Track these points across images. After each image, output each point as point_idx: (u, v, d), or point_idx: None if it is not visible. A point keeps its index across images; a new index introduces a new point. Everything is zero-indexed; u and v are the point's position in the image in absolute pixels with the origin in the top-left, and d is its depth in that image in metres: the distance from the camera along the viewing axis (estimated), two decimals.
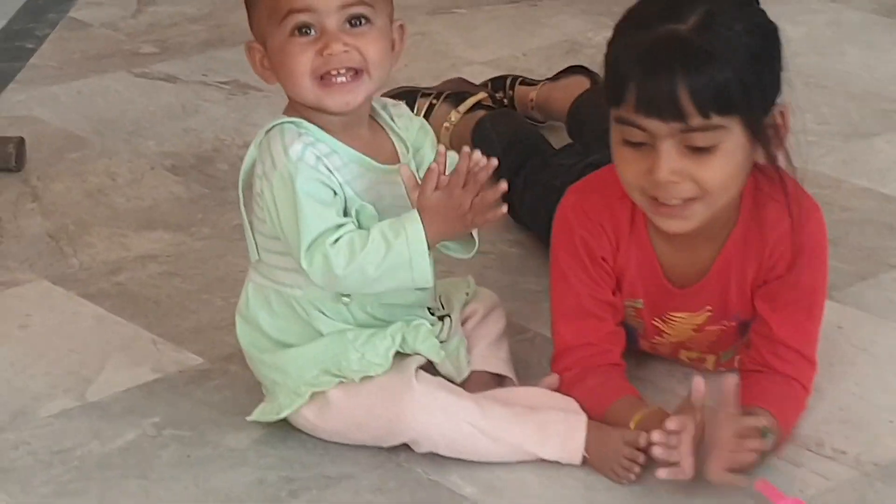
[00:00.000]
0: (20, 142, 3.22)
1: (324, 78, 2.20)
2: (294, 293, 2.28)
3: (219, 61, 3.80)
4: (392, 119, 2.36)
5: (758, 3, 2.23)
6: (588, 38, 3.93)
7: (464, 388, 2.37)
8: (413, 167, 2.30)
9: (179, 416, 2.42)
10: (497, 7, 4.15)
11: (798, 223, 2.25)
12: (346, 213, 2.22)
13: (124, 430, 2.39)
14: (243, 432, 2.36)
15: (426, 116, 3.30)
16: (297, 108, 2.27)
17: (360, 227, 2.22)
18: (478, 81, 3.61)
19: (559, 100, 3.33)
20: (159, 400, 2.46)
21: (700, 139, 2.12)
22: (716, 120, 2.10)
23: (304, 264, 2.18)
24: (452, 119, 3.29)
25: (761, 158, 2.21)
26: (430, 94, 3.36)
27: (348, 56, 2.19)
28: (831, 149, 3.34)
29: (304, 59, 2.19)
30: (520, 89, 3.41)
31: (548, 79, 3.42)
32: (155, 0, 4.20)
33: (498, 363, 2.45)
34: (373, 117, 2.33)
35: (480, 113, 3.28)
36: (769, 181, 2.24)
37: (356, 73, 2.21)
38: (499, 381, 2.45)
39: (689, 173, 2.14)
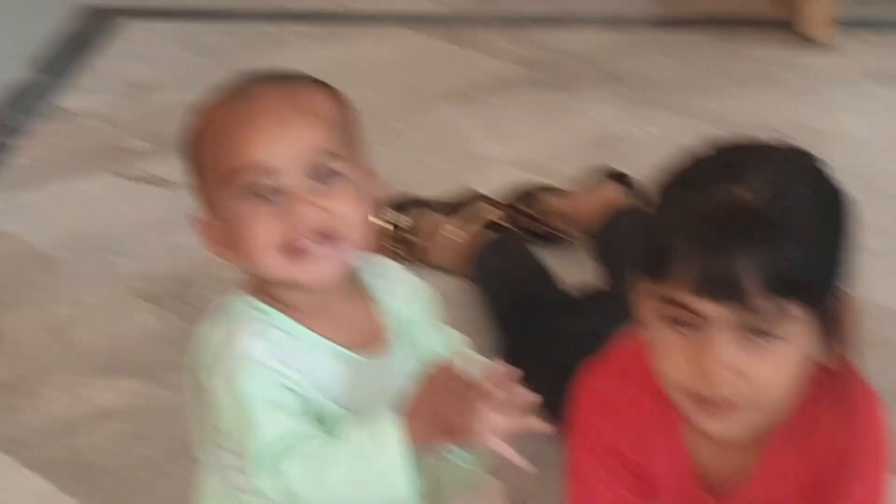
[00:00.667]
0: None
1: (292, 249, 1.81)
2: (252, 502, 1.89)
3: None
4: (376, 284, 1.98)
5: (822, 164, 1.84)
6: (625, 130, 3.55)
7: None
8: (403, 350, 1.95)
9: None
10: (524, 93, 3.77)
11: (854, 422, 1.86)
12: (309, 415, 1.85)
13: None
14: None
15: (421, 232, 2.94)
16: (258, 281, 1.89)
17: (323, 430, 1.85)
18: (499, 180, 3.25)
19: (587, 209, 2.98)
20: None
21: (763, 325, 1.72)
22: (781, 304, 1.72)
23: (255, 481, 1.82)
24: (451, 236, 2.97)
25: (822, 352, 1.82)
26: (434, 207, 3.00)
27: (320, 218, 1.79)
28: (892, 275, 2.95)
29: (266, 229, 1.79)
30: (550, 202, 3.05)
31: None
32: (150, 86, 3.82)
33: None
34: (354, 282, 1.94)
35: (484, 234, 2.94)
36: (824, 372, 1.85)
37: (330, 238, 1.82)
38: None
39: (743, 368, 1.75)
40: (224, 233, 1.83)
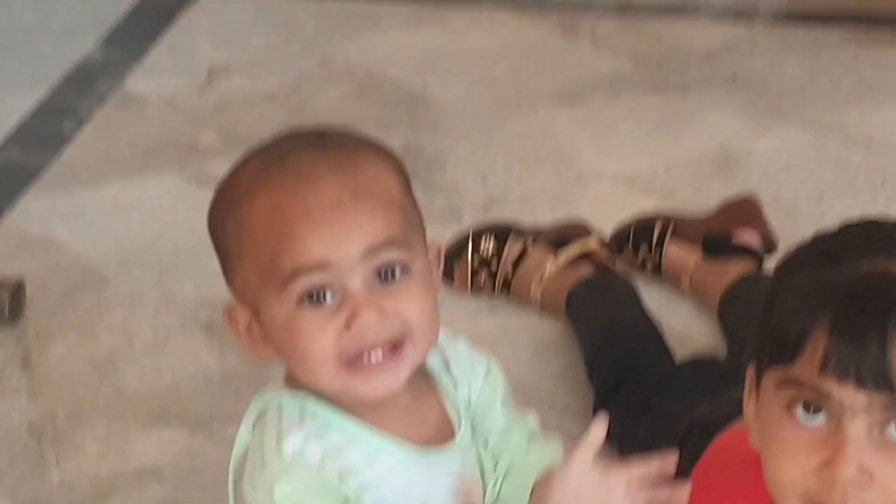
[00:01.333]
0: (17, 288, 2.59)
1: (354, 361, 1.53)
2: None
3: None
4: (445, 370, 1.69)
5: None
6: (747, 146, 3.19)
7: None
8: (468, 438, 1.67)
9: None
10: (638, 97, 3.40)
11: None
12: None
13: None
14: None
15: (516, 265, 2.62)
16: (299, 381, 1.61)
17: None
18: (607, 202, 2.93)
19: (713, 284, 2.61)
20: None
21: None
22: None
23: None
24: (547, 271, 2.61)
25: None
26: (526, 235, 2.67)
27: (385, 325, 1.52)
28: None
29: (324, 340, 1.51)
30: (671, 251, 2.69)
31: (708, 238, 2.68)
32: (229, 69, 3.51)
33: None
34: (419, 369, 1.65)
35: (582, 271, 2.59)
36: None
37: (395, 346, 1.54)
38: None
39: (882, 473, 1.44)
40: (265, 329, 1.55)
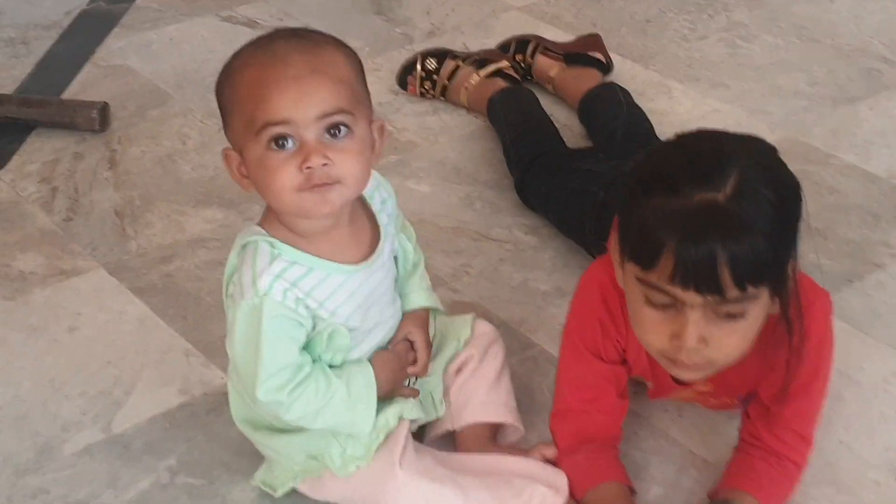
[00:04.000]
0: (104, 107, 2.40)
1: (305, 190, 1.40)
2: None
3: (293, 4, 2.92)
4: (371, 194, 1.57)
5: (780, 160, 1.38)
6: None
7: (460, 442, 1.63)
8: (388, 248, 1.57)
9: (194, 457, 1.69)
10: None
11: (804, 314, 1.43)
12: (315, 339, 1.48)
13: (139, 476, 1.66)
14: (250, 485, 1.62)
15: (450, 77, 2.45)
16: (273, 215, 1.48)
17: (330, 349, 1.49)
18: (513, 26, 2.74)
19: (573, 89, 2.45)
20: (179, 435, 1.72)
21: (732, 309, 1.34)
22: (750, 291, 1.31)
23: (255, 402, 1.46)
24: (472, 81, 2.45)
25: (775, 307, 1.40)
26: (458, 57, 2.50)
27: (327, 170, 1.39)
28: (820, 116, 2.46)
29: (284, 175, 1.39)
30: (540, 60, 2.52)
31: (567, 54, 2.51)
32: None
33: (497, 410, 1.68)
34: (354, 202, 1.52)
35: (499, 82, 2.43)
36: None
37: (335, 184, 1.41)
38: (499, 427, 1.67)
39: (714, 340, 1.37)
40: (248, 169, 1.42)
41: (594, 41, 2.54)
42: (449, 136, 2.42)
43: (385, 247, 1.54)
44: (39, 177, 2.28)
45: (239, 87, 1.40)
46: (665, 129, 2.30)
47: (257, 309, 1.40)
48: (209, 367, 1.82)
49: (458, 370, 1.66)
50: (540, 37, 2.57)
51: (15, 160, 2.33)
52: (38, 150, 2.35)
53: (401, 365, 1.57)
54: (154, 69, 2.64)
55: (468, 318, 1.71)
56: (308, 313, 1.44)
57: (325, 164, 1.38)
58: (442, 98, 2.51)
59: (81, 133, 2.39)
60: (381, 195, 1.57)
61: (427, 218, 2.16)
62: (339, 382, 1.47)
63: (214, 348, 1.85)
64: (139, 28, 2.80)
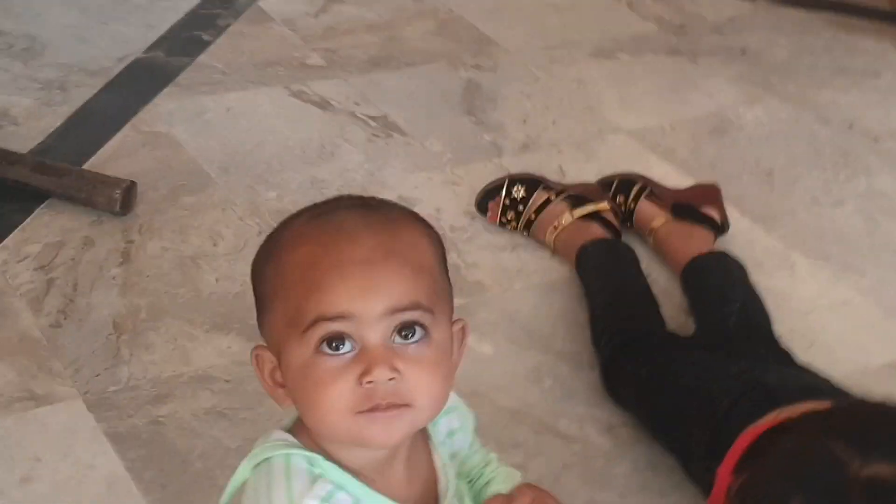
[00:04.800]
0: (129, 187, 2.05)
1: (363, 414, 1.03)
2: None
3: (376, 87, 2.55)
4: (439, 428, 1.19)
5: None
6: (738, 114, 2.59)
7: None
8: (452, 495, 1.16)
9: None
10: (658, 58, 2.80)
11: None
12: None
13: None
14: None
15: (538, 210, 2.07)
16: (310, 431, 1.09)
17: None
18: (620, 153, 2.37)
19: (678, 249, 2.05)
20: None
21: None
22: None
23: None
24: (563, 220, 2.08)
25: None
26: (551, 189, 2.12)
27: (396, 387, 1.03)
28: None
29: (336, 391, 1.03)
30: (643, 207, 2.13)
31: (677, 204, 2.12)
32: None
33: None
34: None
35: (595, 228, 2.04)
36: None
37: (403, 408, 1.04)
38: None
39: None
40: (287, 378, 1.06)
41: (711, 194, 2.15)
42: (526, 282, 2.04)
43: (450, 491, 1.16)
44: (37, 263, 1.93)
45: (287, 268, 1.05)
46: (783, 316, 1.91)
47: None
48: None
49: None
50: (648, 179, 2.19)
51: (15, 236, 1.98)
52: (44, 227, 2.01)
53: None
54: (201, 144, 2.28)
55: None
56: None
57: (392, 379, 1.01)
58: (525, 233, 2.13)
59: (99, 213, 2.04)
60: (448, 424, 1.20)
61: (483, 391, 1.78)
62: None
63: None
64: (195, 90, 2.46)
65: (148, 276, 1.94)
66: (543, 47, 2.78)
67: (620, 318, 1.85)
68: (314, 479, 1.05)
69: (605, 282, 1.94)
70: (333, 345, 1.01)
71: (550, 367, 1.87)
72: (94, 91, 2.41)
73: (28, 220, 2.02)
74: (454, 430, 1.19)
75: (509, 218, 2.14)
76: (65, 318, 1.82)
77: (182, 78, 2.49)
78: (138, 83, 2.45)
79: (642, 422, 1.73)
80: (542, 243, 2.12)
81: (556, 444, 1.72)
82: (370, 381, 1.01)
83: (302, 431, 1.10)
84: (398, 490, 1.10)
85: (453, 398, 1.19)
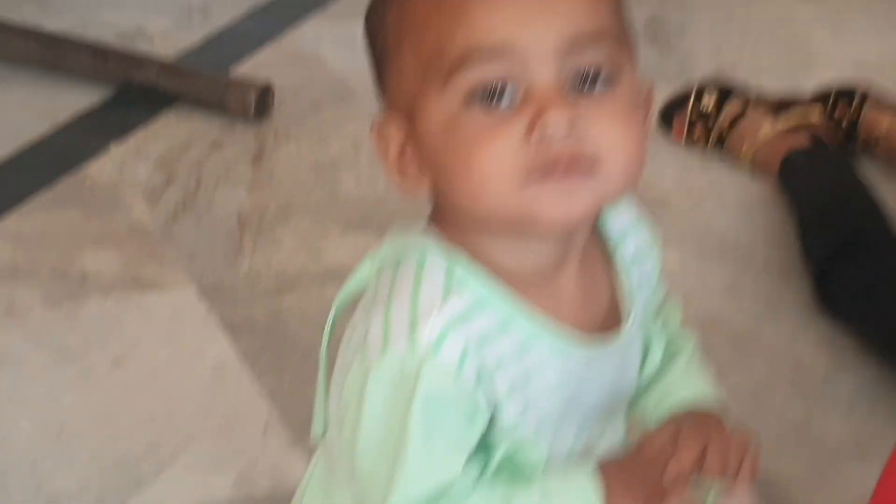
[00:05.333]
0: (265, 89, 1.82)
1: (535, 174, 0.72)
2: None
3: None
4: (623, 239, 0.87)
5: None
6: None
7: None
8: (635, 329, 0.86)
9: None
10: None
11: None
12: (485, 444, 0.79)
13: None
14: None
15: (733, 124, 1.76)
16: (451, 220, 0.79)
17: (509, 469, 0.79)
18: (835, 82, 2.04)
19: None
20: None
21: None
22: None
23: None
24: (762, 134, 1.74)
25: None
26: (749, 98, 1.81)
27: (578, 142, 0.72)
28: None
29: (499, 150, 0.72)
30: (870, 114, 1.80)
31: None
32: None
33: None
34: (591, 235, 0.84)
35: (799, 139, 1.72)
36: None
37: (587, 170, 0.73)
38: None
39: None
40: (423, 150, 0.76)
41: None
42: (718, 201, 1.73)
43: (634, 322, 0.85)
44: (157, 161, 1.71)
45: (415, 4, 0.76)
46: None
47: (410, 378, 0.74)
48: (292, 454, 1.18)
49: None
50: (871, 88, 1.86)
51: (136, 136, 1.77)
52: (169, 129, 1.79)
53: (655, 472, 0.83)
54: (349, 64, 2.05)
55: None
56: (487, 404, 0.77)
57: (568, 136, 0.72)
58: (717, 150, 1.83)
59: (231, 119, 1.82)
60: (636, 240, 0.88)
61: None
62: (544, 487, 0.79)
63: (308, 427, 1.20)
64: (350, 15, 2.22)
65: (280, 178, 1.70)
66: None
67: (838, 220, 1.53)
68: (450, 288, 0.77)
69: (818, 186, 1.63)
70: (490, 93, 0.72)
71: (750, 281, 1.55)
72: (239, 14, 2.20)
73: (152, 121, 1.81)
74: (641, 248, 0.88)
75: (697, 134, 1.84)
76: (183, 211, 1.59)
77: (335, 6, 2.27)
78: (287, 9, 2.24)
79: (866, 335, 1.41)
80: (738, 161, 1.81)
81: (759, 359, 1.41)
82: (543, 134, 0.72)
83: (441, 223, 0.82)
84: (566, 312, 0.81)
85: (636, 213, 0.89)
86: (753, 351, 1.41)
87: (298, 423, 1.21)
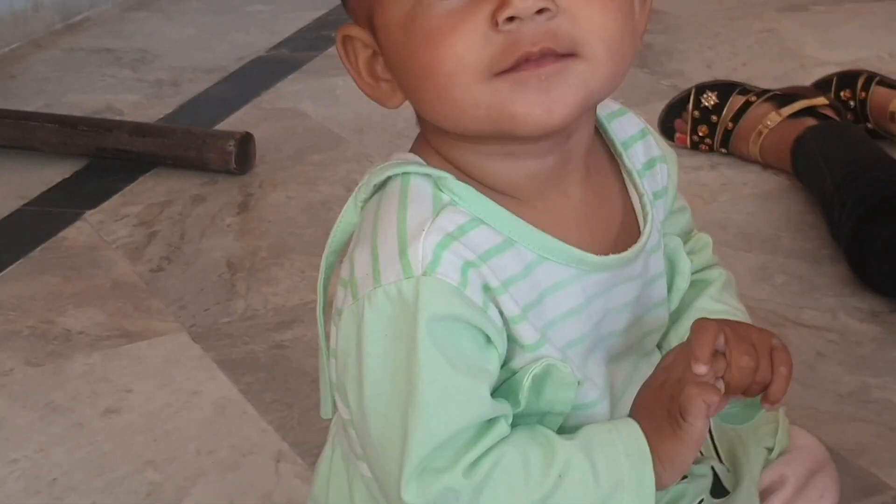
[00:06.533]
0: (244, 138, 1.75)
1: (508, 66, 0.63)
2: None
3: None
4: (631, 142, 0.77)
5: None
6: None
7: None
8: (655, 238, 0.76)
9: None
10: (861, 4, 2.41)
11: None
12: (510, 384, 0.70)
13: None
14: None
15: (736, 118, 1.68)
16: (435, 140, 0.71)
17: (538, 402, 0.70)
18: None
19: None
20: None
21: None
22: None
23: (406, 497, 0.65)
24: (769, 122, 1.66)
25: None
26: (750, 92, 1.73)
27: (550, 26, 0.63)
28: None
29: (462, 42, 0.64)
30: (878, 92, 1.72)
31: None
32: None
33: None
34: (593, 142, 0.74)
35: (808, 121, 1.63)
36: None
37: (566, 55, 0.64)
38: None
39: None
40: (390, 56, 0.68)
41: None
42: (733, 194, 1.66)
43: (652, 233, 0.76)
44: (137, 220, 1.63)
45: None
46: None
47: (409, 303, 0.65)
48: (309, 483, 1.07)
49: (766, 493, 0.85)
50: (872, 72, 1.79)
51: (112, 201, 1.69)
52: (147, 192, 1.71)
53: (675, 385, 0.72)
54: (330, 114, 1.98)
55: (780, 420, 0.89)
56: (501, 323, 0.68)
57: (543, 10, 0.64)
58: (723, 150, 1.75)
59: (213, 174, 1.74)
60: (646, 147, 0.79)
61: None
62: (577, 456, 0.68)
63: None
64: (325, 73, 2.17)
65: (269, 222, 1.61)
66: (720, 9, 2.44)
67: (860, 186, 1.44)
68: (440, 205, 0.68)
69: (835, 158, 1.54)
70: None
71: (780, 264, 1.47)
72: (209, 84, 2.14)
73: (129, 186, 1.73)
74: (654, 158, 0.78)
75: (701, 135, 1.76)
76: (168, 263, 1.50)
77: (309, 66, 2.21)
78: (259, 74, 2.18)
79: None
80: (746, 157, 1.73)
81: (802, 334, 1.31)
82: (511, 18, 0.64)
83: (425, 148, 0.73)
84: (574, 230, 0.71)
85: (644, 123, 0.81)
86: (795, 329, 1.32)
87: (312, 452, 1.10)
